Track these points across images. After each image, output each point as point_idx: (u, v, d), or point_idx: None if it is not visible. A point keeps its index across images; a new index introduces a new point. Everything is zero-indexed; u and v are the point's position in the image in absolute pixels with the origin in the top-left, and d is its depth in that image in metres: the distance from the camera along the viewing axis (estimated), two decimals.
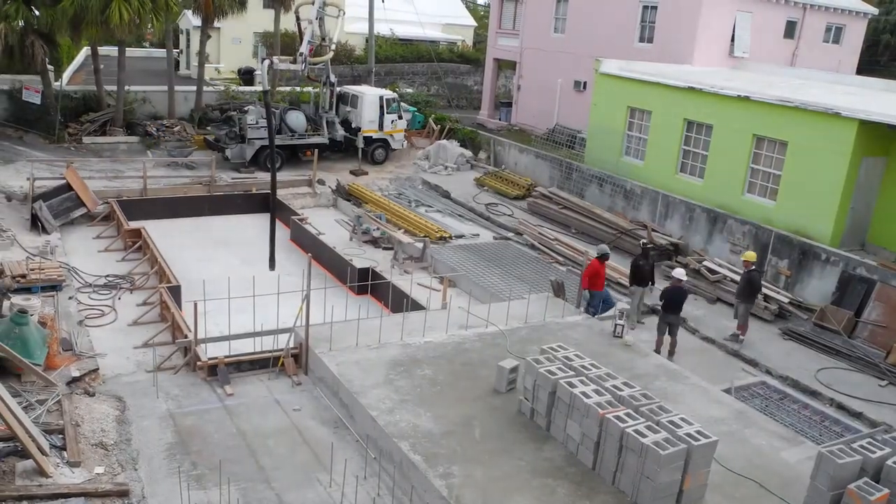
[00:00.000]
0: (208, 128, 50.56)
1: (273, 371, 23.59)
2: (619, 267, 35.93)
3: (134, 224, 35.14)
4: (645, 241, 32.42)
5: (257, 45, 79.87)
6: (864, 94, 41.50)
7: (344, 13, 51.31)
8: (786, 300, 32.58)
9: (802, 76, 49.68)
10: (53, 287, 28.13)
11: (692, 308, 32.88)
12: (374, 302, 30.63)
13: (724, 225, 36.63)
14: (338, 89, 51.90)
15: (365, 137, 50.32)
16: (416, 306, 28.22)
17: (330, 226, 39.50)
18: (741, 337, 30.05)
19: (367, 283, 29.53)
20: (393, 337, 24.35)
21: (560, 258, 37.09)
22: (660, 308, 29.50)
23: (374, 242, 37.17)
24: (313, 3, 48.46)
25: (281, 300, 23.03)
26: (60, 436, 18.86)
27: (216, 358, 23.17)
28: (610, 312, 28.52)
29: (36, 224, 34.53)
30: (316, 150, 46.39)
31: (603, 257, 29.96)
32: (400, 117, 52.58)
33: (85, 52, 64.71)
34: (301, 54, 48.24)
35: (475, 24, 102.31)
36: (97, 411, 20.58)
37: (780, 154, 36.61)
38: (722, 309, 33.07)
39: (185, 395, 22.22)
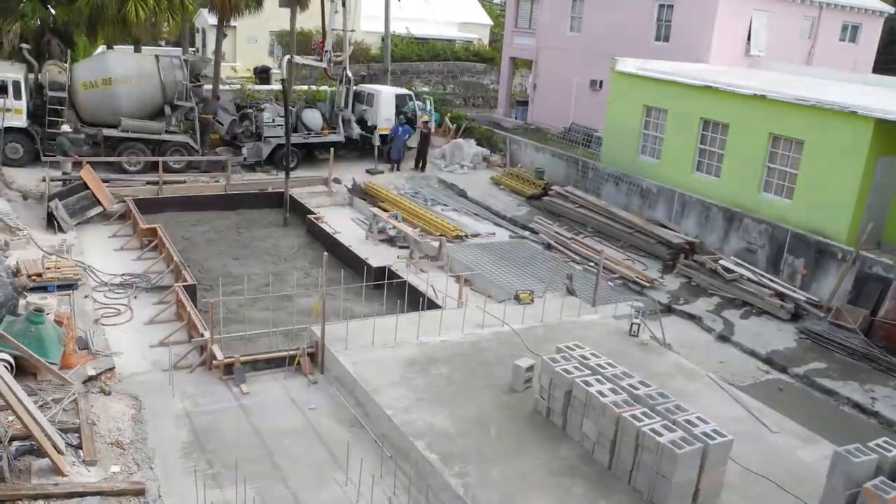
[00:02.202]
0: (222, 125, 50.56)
1: (289, 370, 23.63)
2: (634, 267, 35.97)
3: (149, 223, 35.12)
4: None
5: (273, 44, 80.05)
6: (881, 93, 41.32)
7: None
8: (802, 299, 32.49)
9: (819, 75, 49.50)
10: (69, 286, 28.16)
11: (707, 306, 32.91)
12: (390, 301, 30.62)
13: (740, 224, 36.52)
14: (354, 88, 51.93)
15: (381, 136, 50.27)
16: (432, 305, 28.24)
17: (346, 224, 39.47)
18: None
19: (383, 282, 29.51)
20: (409, 336, 24.38)
21: (577, 257, 37.06)
22: None
23: (391, 241, 37.13)
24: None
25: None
26: (76, 434, 18.90)
27: (232, 356, 23.20)
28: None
29: (52, 223, 34.54)
30: (332, 149, 46.32)
31: None
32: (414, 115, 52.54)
33: (101, 50, 64.81)
34: (327, 51, 48.54)
35: (491, 22, 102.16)
36: (113, 410, 20.63)
37: (797, 153, 36.50)
38: (738, 308, 33.04)
39: (200, 393, 22.26)
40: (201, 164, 45.34)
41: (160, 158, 41.92)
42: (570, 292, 29.29)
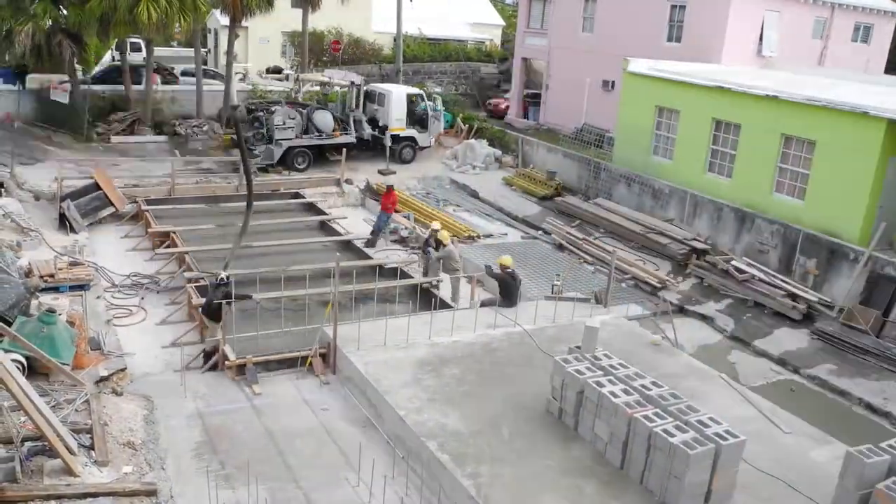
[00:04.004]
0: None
1: (301, 370, 23.64)
2: (646, 268, 35.96)
3: (162, 224, 35.12)
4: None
5: (285, 45, 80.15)
6: (893, 94, 41.15)
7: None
8: (814, 299, 32.44)
9: (830, 75, 49.39)
10: (81, 286, 28.22)
11: (720, 307, 32.92)
12: (402, 301, 30.59)
13: (752, 224, 36.47)
14: (365, 88, 51.87)
15: (392, 136, 50.26)
16: (444, 305, 28.24)
17: (358, 225, 39.46)
18: None
19: (395, 282, 29.50)
20: (421, 336, 24.37)
21: (588, 257, 37.04)
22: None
23: (402, 242, 37.15)
24: None
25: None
26: (88, 435, 18.92)
27: (244, 357, 23.21)
28: None
29: (64, 223, 34.62)
30: (343, 150, 46.35)
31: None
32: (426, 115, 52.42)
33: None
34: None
35: (503, 23, 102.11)
36: (125, 410, 20.65)
37: (809, 153, 36.44)
38: (750, 309, 33.02)
39: (212, 394, 22.29)
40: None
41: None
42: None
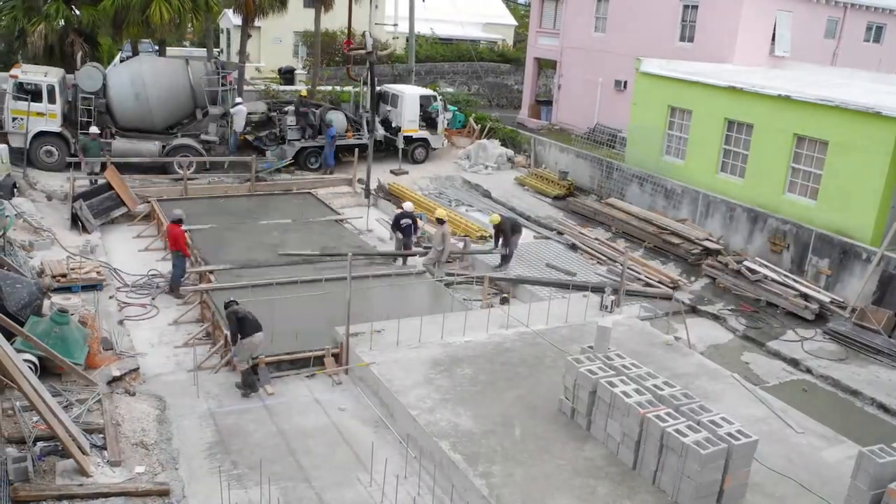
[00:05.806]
0: (247, 128, 50.45)
1: (313, 370, 23.63)
2: (659, 268, 35.92)
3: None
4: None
5: (297, 45, 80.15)
6: None
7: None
8: (826, 300, 32.36)
9: (843, 75, 49.28)
10: (94, 286, 28.26)
11: (732, 305, 32.86)
12: (416, 301, 30.57)
13: (764, 224, 36.40)
14: (378, 88, 51.79)
15: (405, 137, 50.21)
16: (457, 305, 28.24)
17: (371, 225, 39.42)
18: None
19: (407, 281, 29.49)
20: (433, 336, 24.36)
21: (602, 257, 36.99)
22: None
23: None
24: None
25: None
26: (101, 435, 18.97)
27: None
28: None
29: (76, 223, 34.66)
30: (356, 150, 46.31)
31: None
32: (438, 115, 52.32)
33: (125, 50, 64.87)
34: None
35: (515, 23, 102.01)
36: (137, 411, 20.70)
37: (821, 153, 36.33)
38: (763, 308, 32.96)
39: (225, 394, 22.33)
40: (224, 164, 45.26)
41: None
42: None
